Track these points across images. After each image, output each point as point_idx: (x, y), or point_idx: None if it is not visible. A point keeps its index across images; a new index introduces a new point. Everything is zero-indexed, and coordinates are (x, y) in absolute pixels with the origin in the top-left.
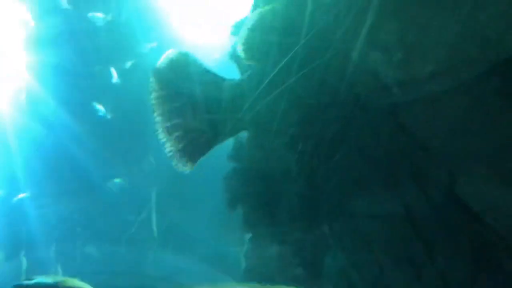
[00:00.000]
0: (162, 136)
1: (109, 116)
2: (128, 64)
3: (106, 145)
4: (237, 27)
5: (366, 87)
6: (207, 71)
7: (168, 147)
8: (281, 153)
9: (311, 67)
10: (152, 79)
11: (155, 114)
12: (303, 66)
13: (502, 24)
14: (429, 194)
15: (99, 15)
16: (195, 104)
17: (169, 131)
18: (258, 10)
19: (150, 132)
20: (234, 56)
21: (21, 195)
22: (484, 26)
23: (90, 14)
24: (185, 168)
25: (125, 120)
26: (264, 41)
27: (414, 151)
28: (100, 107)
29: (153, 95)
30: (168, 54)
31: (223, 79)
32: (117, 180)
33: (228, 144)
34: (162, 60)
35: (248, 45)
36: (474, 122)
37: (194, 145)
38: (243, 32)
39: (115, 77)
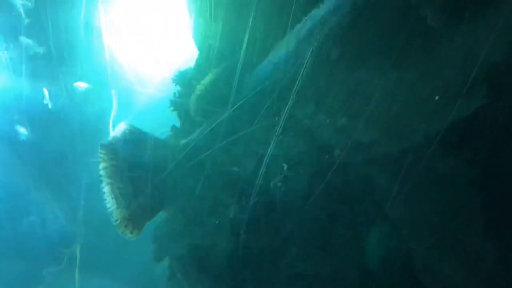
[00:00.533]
0: (109, 205)
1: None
2: None
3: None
4: (179, 77)
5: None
6: (156, 140)
7: (115, 216)
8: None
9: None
10: (101, 151)
11: (103, 184)
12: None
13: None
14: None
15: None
16: (143, 172)
17: (117, 199)
18: (203, 84)
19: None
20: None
21: None
22: (424, 100)
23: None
24: (131, 235)
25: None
26: (206, 110)
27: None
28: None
29: (102, 165)
30: (119, 127)
31: (172, 145)
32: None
33: None
34: (113, 133)
35: (197, 110)
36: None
37: (141, 212)
38: (192, 99)
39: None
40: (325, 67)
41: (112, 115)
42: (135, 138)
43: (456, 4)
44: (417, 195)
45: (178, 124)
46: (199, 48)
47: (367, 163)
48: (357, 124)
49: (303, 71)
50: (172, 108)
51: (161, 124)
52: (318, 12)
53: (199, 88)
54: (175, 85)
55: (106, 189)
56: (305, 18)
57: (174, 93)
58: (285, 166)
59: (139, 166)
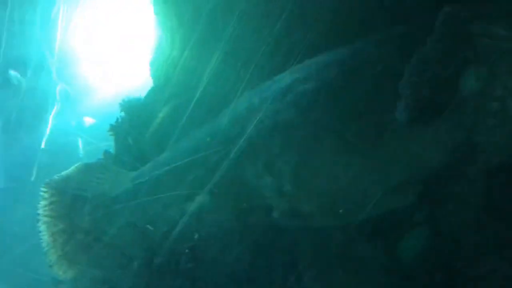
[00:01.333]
0: (46, 243)
1: None
2: None
3: None
4: (127, 103)
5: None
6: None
7: (50, 255)
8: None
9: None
10: (45, 189)
11: (40, 223)
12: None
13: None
14: None
15: None
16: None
17: (54, 237)
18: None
19: None
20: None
21: None
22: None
23: None
24: (65, 275)
25: None
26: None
27: None
28: None
29: (42, 203)
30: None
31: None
32: None
33: None
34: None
35: None
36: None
37: (78, 248)
38: None
39: None
40: (282, 132)
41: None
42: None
43: (428, 105)
44: (334, 273)
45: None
46: (154, 78)
47: (298, 232)
48: (300, 193)
49: (259, 132)
50: (111, 132)
51: None
52: (286, 77)
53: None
54: (120, 111)
55: (42, 227)
56: (272, 79)
57: (117, 118)
58: (196, 235)
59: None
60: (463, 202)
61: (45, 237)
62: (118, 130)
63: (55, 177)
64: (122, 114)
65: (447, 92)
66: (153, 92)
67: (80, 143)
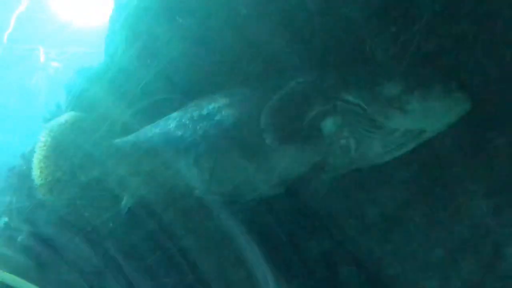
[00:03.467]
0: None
1: None
2: None
3: None
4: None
5: None
6: None
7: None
8: None
9: None
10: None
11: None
12: None
13: None
14: None
15: None
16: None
17: (41, 170)
18: None
19: None
20: None
21: None
22: None
23: None
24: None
25: None
26: None
27: None
28: None
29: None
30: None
31: None
32: None
33: None
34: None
35: None
36: None
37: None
38: None
39: None
40: (207, 141)
41: None
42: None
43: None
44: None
45: None
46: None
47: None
48: (214, 181)
49: (192, 139)
50: None
51: None
52: (211, 104)
53: None
54: None
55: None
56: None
57: None
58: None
59: None
60: (315, 195)
61: (35, 167)
62: None
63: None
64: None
65: (311, 128)
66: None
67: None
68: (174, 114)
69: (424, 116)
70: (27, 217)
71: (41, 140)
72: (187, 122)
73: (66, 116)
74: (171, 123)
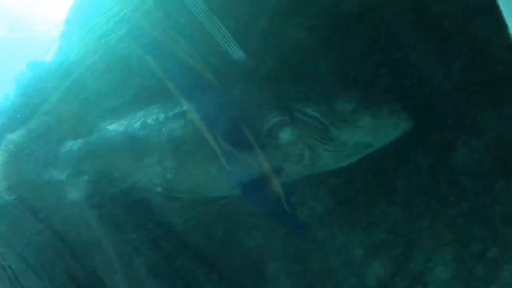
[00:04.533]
0: None
1: None
2: None
3: None
4: None
5: None
6: None
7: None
8: None
9: None
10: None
11: None
12: None
13: None
14: None
15: None
16: None
17: None
18: None
19: None
20: None
21: None
22: None
23: None
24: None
25: None
26: None
27: None
28: None
29: None
30: None
31: None
32: None
33: None
34: None
35: None
36: None
37: None
38: None
39: None
40: (173, 142)
41: None
42: None
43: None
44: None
45: None
46: None
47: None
48: (176, 179)
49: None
50: None
51: None
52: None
53: None
54: None
55: None
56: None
57: None
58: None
59: None
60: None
61: None
62: None
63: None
64: None
65: (270, 138)
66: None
67: None
68: (139, 114)
69: (373, 131)
70: None
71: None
72: (152, 123)
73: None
74: (135, 123)
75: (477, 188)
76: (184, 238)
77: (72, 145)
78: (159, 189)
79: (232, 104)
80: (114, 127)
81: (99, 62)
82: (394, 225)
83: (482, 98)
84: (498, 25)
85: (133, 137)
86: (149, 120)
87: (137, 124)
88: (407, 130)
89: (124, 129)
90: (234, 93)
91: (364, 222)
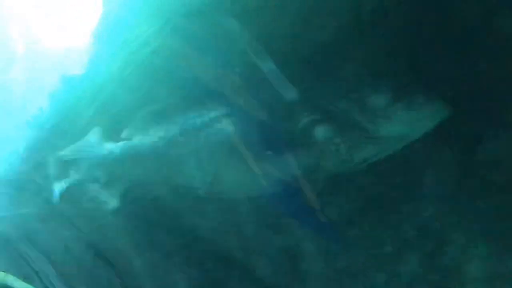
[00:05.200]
0: None
1: None
2: None
3: None
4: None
5: None
6: None
7: None
8: None
9: None
10: None
11: None
12: None
13: None
14: None
15: None
16: None
17: None
18: None
19: None
20: None
21: None
22: None
23: None
24: None
25: None
26: None
27: None
28: None
29: None
30: None
31: None
32: None
33: None
34: None
35: None
36: None
37: None
38: None
39: None
40: (210, 147)
41: None
42: None
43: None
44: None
45: None
46: None
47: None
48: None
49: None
50: None
51: None
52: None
53: None
54: None
55: None
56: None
57: None
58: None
59: None
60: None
61: None
62: None
63: None
64: None
65: (304, 137)
66: None
67: None
68: (176, 121)
69: (409, 123)
70: None
71: None
72: (189, 129)
73: None
74: (173, 130)
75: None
76: (217, 240)
77: (112, 151)
78: (200, 192)
79: (263, 107)
80: (152, 135)
81: (131, 75)
82: (424, 221)
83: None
84: None
85: (171, 144)
86: (186, 127)
87: (175, 131)
88: (444, 118)
89: (162, 136)
90: (264, 97)
91: (394, 219)
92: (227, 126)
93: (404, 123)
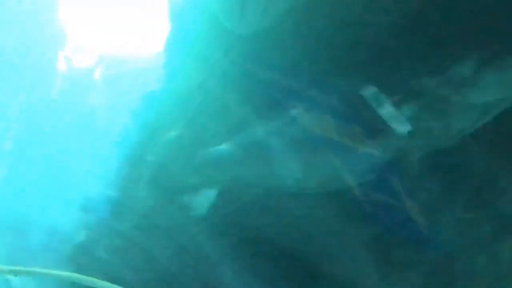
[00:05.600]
0: None
1: None
2: None
3: None
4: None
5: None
6: None
7: None
8: None
9: None
10: None
11: None
12: None
13: None
14: None
15: None
16: None
17: None
18: None
19: None
20: None
21: None
22: None
23: None
24: None
25: None
26: None
27: None
28: None
29: None
30: None
31: None
32: None
33: None
34: None
35: None
36: None
37: None
38: None
39: None
40: (294, 147)
41: None
42: None
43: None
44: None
45: None
46: None
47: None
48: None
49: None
50: None
51: None
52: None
53: None
54: None
55: None
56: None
57: None
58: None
59: None
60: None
61: None
62: None
63: None
64: None
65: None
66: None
67: None
68: (261, 124)
69: (501, 85)
70: None
71: None
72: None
73: None
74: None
75: None
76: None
77: (204, 156)
78: (292, 189)
79: (343, 99)
80: (237, 141)
81: (216, 85)
82: None
83: None
84: None
85: (258, 147)
86: (271, 128)
87: (261, 134)
88: None
89: (248, 141)
90: (343, 89)
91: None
92: (308, 121)
93: (495, 87)
